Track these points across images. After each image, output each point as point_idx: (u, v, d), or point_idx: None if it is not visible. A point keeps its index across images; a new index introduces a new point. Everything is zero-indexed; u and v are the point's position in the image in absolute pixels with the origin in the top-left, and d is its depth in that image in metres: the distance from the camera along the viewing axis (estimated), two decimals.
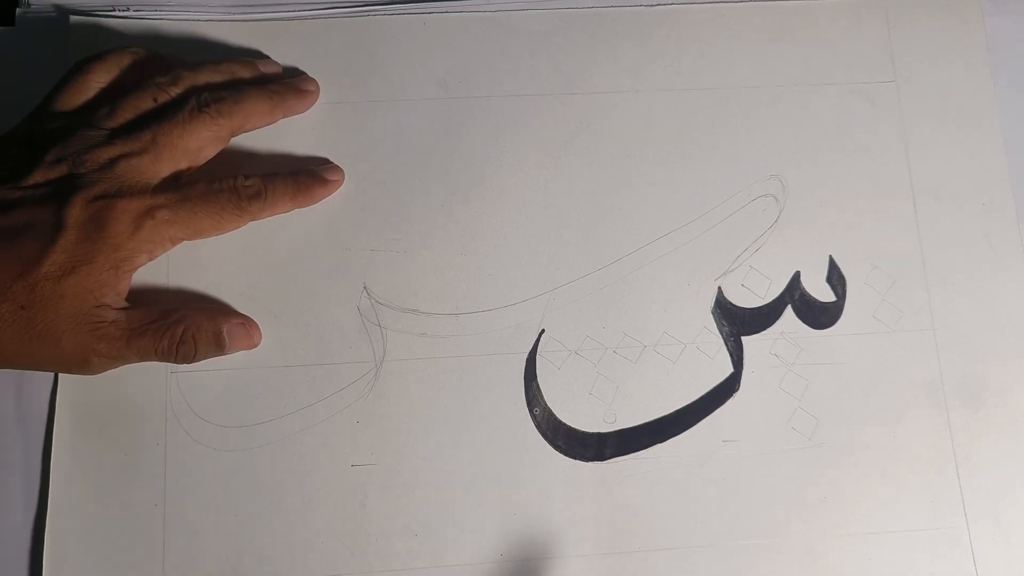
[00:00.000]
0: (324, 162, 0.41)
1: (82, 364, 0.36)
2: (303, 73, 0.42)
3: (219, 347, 0.37)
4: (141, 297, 0.38)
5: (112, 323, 0.35)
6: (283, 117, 0.41)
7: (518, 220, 0.41)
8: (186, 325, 0.37)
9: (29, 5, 0.42)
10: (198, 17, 0.42)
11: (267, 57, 0.42)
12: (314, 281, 0.40)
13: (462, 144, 0.42)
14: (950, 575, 0.39)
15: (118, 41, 0.41)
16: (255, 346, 0.39)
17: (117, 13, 0.42)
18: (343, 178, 0.41)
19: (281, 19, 0.43)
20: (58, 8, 0.42)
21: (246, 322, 0.39)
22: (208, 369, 0.39)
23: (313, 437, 0.38)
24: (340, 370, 0.39)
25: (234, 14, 0.43)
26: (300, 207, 0.40)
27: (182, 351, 0.36)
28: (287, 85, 0.41)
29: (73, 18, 0.42)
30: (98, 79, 0.38)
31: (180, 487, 0.38)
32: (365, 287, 0.40)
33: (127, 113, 0.37)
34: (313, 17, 0.43)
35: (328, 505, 0.38)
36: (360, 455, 0.38)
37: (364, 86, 0.42)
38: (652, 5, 0.44)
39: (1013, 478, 0.40)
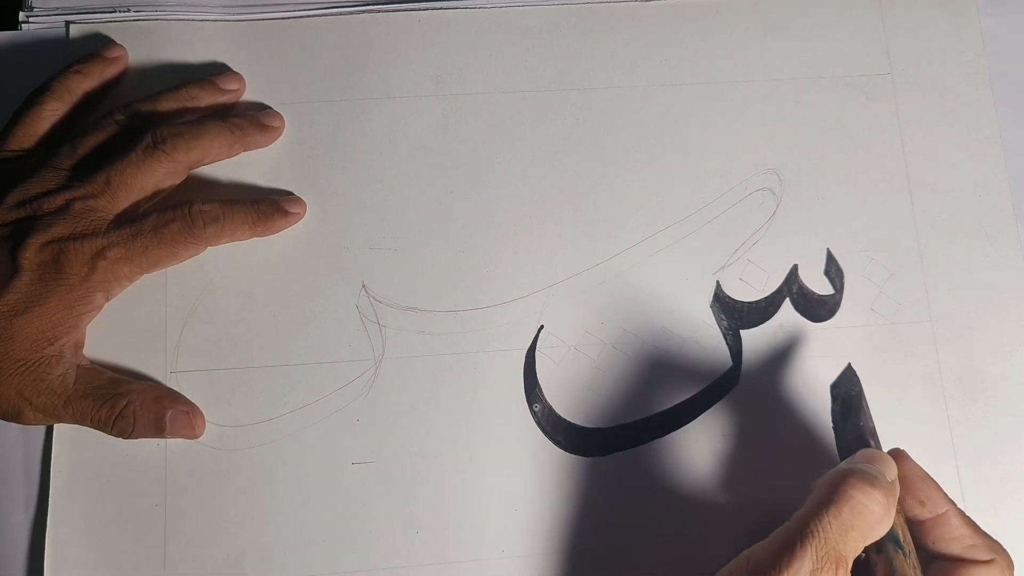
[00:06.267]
0: (286, 193, 0.41)
1: (15, 414, 0.35)
2: (268, 107, 0.41)
3: (159, 431, 0.37)
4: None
5: (58, 377, 0.35)
6: (244, 151, 0.40)
7: (516, 216, 0.41)
8: (130, 400, 0.36)
9: (32, 9, 0.42)
10: (197, 17, 0.43)
11: (240, 68, 0.42)
12: (313, 280, 0.40)
13: (459, 141, 0.42)
14: None
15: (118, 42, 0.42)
16: (197, 437, 0.38)
17: (117, 14, 0.42)
18: (304, 211, 0.40)
19: (278, 19, 0.43)
20: (60, 12, 0.42)
21: (191, 411, 0.38)
22: (208, 369, 0.39)
23: (313, 436, 0.38)
24: (339, 368, 0.39)
25: (232, 14, 0.43)
26: (259, 236, 0.39)
27: (119, 425, 0.36)
28: (250, 119, 0.40)
29: (73, 26, 0.42)
30: (51, 108, 0.39)
31: (180, 487, 0.38)
32: (364, 285, 0.40)
33: (84, 151, 0.37)
34: (310, 16, 0.43)
35: (329, 503, 0.38)
36: (360, 453, 0.38)
37: (360, 84, 0.42)
38: (647, 0, 0.44)
39: (1012, 469, 0.40)
